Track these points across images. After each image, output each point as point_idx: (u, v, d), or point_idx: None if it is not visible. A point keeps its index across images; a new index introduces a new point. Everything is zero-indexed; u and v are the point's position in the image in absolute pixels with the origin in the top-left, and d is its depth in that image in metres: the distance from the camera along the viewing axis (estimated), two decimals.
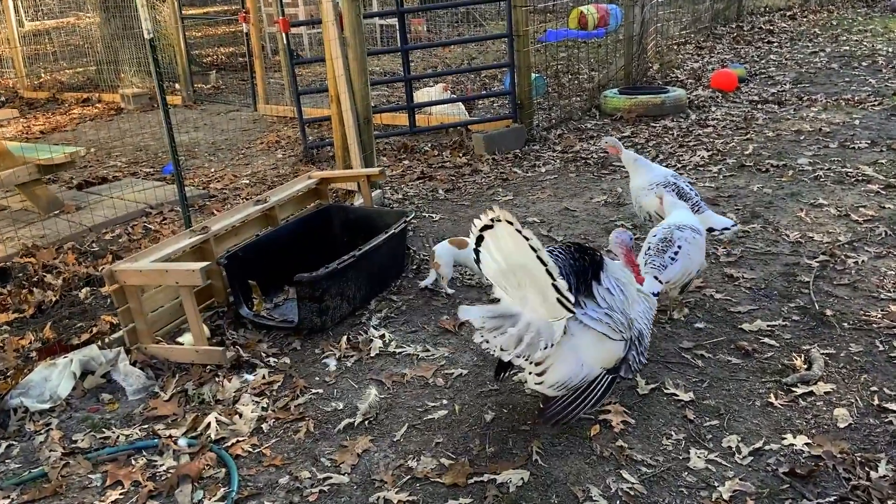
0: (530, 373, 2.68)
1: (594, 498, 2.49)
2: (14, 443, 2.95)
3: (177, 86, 10.51)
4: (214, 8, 18.86)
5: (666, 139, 6.62)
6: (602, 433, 2.81)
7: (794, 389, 2.98)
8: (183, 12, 10.59)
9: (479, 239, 2.56)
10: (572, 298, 2.50)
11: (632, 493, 2.50)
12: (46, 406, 3.14)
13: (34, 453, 2.89)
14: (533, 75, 7.17)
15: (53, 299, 4.22)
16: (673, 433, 2.78)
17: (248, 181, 6.43)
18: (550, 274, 2.43)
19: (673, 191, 3.96)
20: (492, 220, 2.46)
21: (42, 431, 3.02)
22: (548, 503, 2.49)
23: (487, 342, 2.57)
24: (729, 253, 4.22)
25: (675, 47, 10.75)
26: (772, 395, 2.97)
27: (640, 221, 4.52)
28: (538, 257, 2.42)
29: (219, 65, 13.05)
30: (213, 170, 6.92)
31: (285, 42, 6.90)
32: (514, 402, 3.04)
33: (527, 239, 2.41)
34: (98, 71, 11.61)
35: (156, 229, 5.27)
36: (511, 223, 2.42)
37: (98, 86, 11.41)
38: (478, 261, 2.65)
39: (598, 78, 8.77)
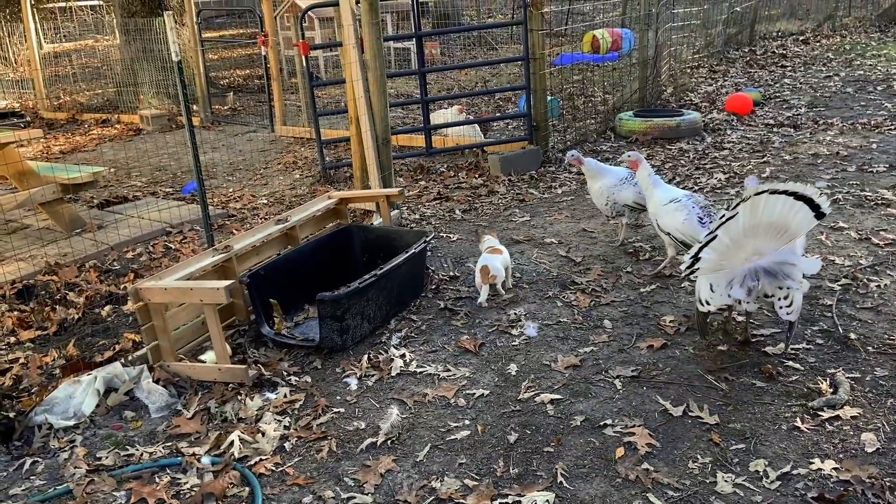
0: (780, 307, 3.14)
1: None
2: (39, 459, 2.96)
3: (195, 107, 10.64)
4: (232, 31, 19.14)
5: (682, 161, 6.64)
6: (627, 455, 2.79)
7: (820, 413, 2.96)
8: (202, 36, 10.75)
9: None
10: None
11: None
12: (70, 423, 3.15)
13: (59, 470, 2.90)
14: (548, 98, 7.22)
15: (76, 317, 4.25)
16: (699, 456, 2.76)
17: (266, 201, 6.48)
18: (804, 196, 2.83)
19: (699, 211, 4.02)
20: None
21: (66, 448, 3.03)
22: None
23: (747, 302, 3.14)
24: None
25: (689, 71, 10.81)
26: (798, 418, 2.94)
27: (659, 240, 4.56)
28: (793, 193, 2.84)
29: (235, 87, 13.22)
30: (231, 189, 6.99)
31: (304, 65, 6.99)
32: (537, 423, 3.03)
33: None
34: (118, 92, 11.78)
35: (176, 248, 5.32)
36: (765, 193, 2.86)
37: (117, 107, 11.58)
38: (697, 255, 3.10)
39: (612, 101, 8.82)
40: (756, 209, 2.91)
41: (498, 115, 9.00)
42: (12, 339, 4.02)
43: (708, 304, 3.27)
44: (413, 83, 11.38)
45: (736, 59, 11.87)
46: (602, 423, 2.99)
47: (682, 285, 4.18)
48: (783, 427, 2.91)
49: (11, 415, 3.14)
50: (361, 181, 5.52)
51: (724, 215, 3.00)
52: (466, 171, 6.86)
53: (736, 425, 2.93)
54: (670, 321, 3.78)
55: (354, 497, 2.67)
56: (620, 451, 2.81)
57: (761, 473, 2.65)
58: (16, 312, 4.28)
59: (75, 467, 2.88)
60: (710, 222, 3.83)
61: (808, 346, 3.46)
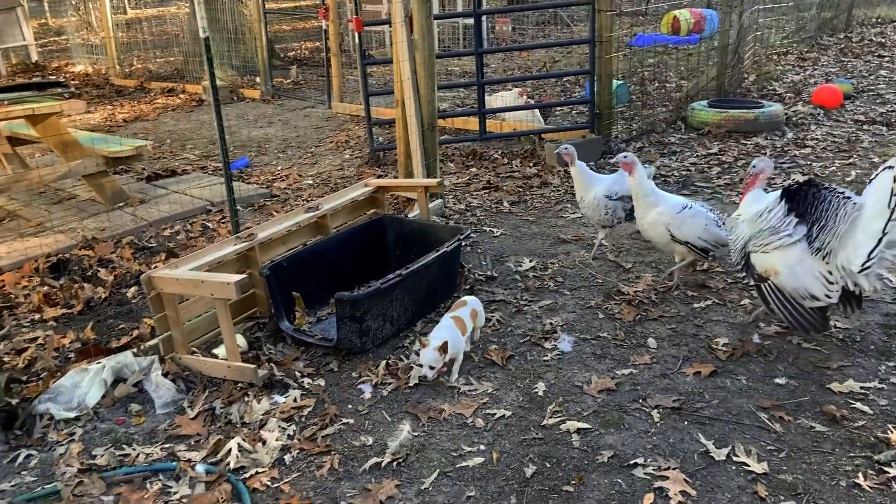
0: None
1: None
2: (34, 452, 2.86)
3: (257, 80, 10.60)
4: (300, 2, 19.10)
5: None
6: None
7: (886, 469, 2.55)
8: (266, 7, 10.66)
9: None
10: None
11: None
12: (73, 414, 3.04)
13: (51, 466, 2.78)
14: (616, 83, 6.77)
15: (103, 296, 4.18)
16: None
17: (311, 182, 6.31)
18: None
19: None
20: None
21: (64, 442, 2.92)
22: None
23: None
24: None
25: (775, 57, 10.06)
26: (860, 473, 2.55)
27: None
28: None
29: (300, 60, 13.13)
30: (279, 167, 6.85)
31: (358, 41, 6.75)
32: (559, 455, 2.73)
33: None
34: (185, 62, 11.86)
35: (214, 228, 5.21)
36: None
37: (184, 76, 11.66)
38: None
39: (686, 88, 8.25)
40: None
41: (562, 100, 8.56)
42: (37, 317, 3.97)
43: (829, 297, 3.13)
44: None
45: (829, 47, 10.98)
46: (632, 462, 2.66)
47: (742, 302, 3.77)
48: (842, 483, 2.52)
49: (15, 402, 3.05)
50: (405, 167, 5.26)
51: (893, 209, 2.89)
52: (521, 159, 6.50)
53: (787, 477, 2.56)
54: (723, 344, 3.39)
55: None
56: (649, 499, 2.49)
57: None
58: (45, 288, 4.24)
59: (67, 465, 2.76)
60: (723, 225, 3.77)
61: (880, 385, 3.03)
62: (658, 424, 2.87)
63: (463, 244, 4.13)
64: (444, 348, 3.07)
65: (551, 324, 3.66)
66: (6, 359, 3.52)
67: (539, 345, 3.50)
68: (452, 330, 3.22)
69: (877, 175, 3.00)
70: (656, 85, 8.97)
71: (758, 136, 6.67)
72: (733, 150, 6.34)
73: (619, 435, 2.83)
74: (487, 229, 4.95)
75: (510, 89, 7.70)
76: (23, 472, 2.77)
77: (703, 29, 11.75)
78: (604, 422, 2.91)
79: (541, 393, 3.12)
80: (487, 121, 6.74)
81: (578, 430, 2.85)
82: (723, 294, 3.87)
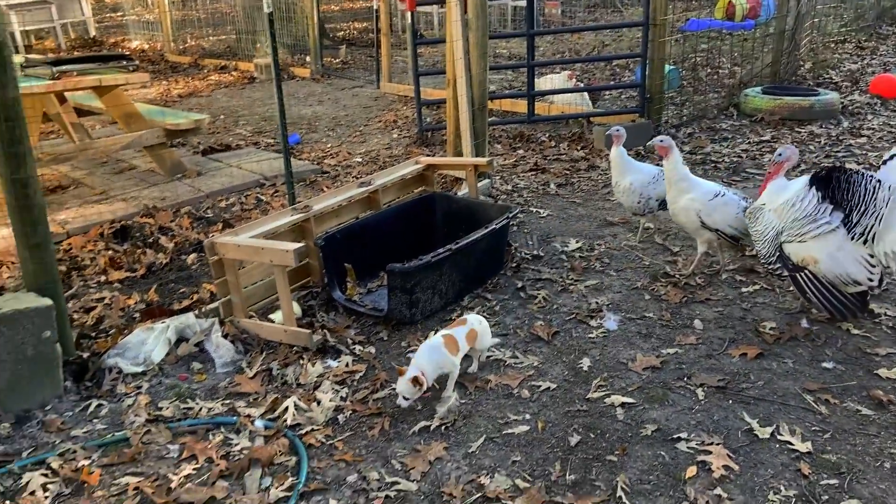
0: None
1: None
2: (104, 403, 3.04)
3: (307, 58, 10.76)
4: None
5: (811, 147, 6.01)
6: (699, 476, 2.52)
7: None
8: None
9: None
10: None
11: None
12: (139, 369, 3.22)
13: (120, 416, 2.96)
14: (667, 67, 6.72)
15: (164, 262, 4.36)
16: (782, 488, 2.45)
17: (360, 159, 6.43)
18: None
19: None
20: None
21: (132, 394, 3.10)
22: None
23: None
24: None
25: (832, 45, 9.81)
26: None
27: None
28: None
29: (350, 40, 13.25)
30: (329, 145, 6.99)
31: (410, 20, 6.81)
32: (603, 426, 2.80)
33: None
34: (237, 40, 12.08)
35: (267, 201, 5.36)
36: None
37: (236, 54, 11.89)
38: None
39: (740, 74, 8.13)
40: None
41: (611, 84, 8.52)
42: (103, 279, 4.17)
43: (871, 280, 3.18)
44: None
45: (888, 36, 10.65)
46: (675, 436, 2.72)
47: (791, 288, 3.76)
48: (886, 465, 2.54)
49: (85, 355, 3.23)
50: (454, 147, 5.33)
51: None
52: (568, 142, 6.52)
53: (831, 457, 2.59)
54: (771, 328, 3.40)
55: (399, 483, 2.56)
56: (692, 471, 2.54)
57: None
58: (110, 252, 4.44)
59: (136, 415, 2.93)
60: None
61: None
62: (702, 402, 2.92)
63: (510, 223, 4.20)
64: (417, 381, 2.84)
65: (597, 303, 3.71)
66: (75, 316, 3.72)
67: (584, 322, 3.55)
68: (438, 353, 2.97)
69: None
70: (708, 70, 8.85)
71: (812, 125, 6.56)
72: (786, 138, 6.25)
73: (663, 410, 2.88)
74: (534, 210, 5.00)
75: (558, 72, 7.70)
76: (94, 420, 2.95)
77: (758, 15, 11.50)
78: (648, 397, 2.96)
79: (586, 368, 3.18)
80: (536, 103, 6.76)
81: (623, 405, 2.91)
82: (771, 279, 3.86)
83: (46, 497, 2.53)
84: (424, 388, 2.87)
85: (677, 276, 3.95)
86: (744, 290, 3.79)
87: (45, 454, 2.72)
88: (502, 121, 7.06)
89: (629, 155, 4.45)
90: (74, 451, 2.72)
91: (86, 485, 2.59)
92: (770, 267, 3.47)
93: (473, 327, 3.12)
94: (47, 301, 2.95)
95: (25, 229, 2.98)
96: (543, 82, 7.32)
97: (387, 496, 2.50)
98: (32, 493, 2.54)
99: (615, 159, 4.33)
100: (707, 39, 10.25)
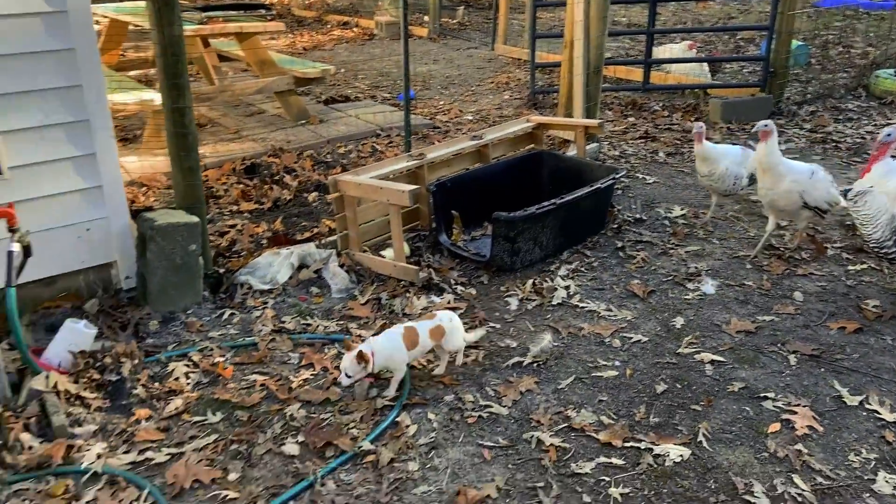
0: None
1: (756, 494, 2.34)
2: (236, 312, 3.43)
3: (425, 18, 10.98)
4: None
5: None
6: (782, 432, 2.61)
7: None
8: None
9: None
10: None
11: (800, 499, 2.32)
12: (266, 287, 3.59)
13: (250, 325, 3.34)
14: (795, 43, 6.49)
15: (287, 198, 4.75)
16: (864, 451, 2.51)
17: (471, 117, 6.62)
18: None
19: None
20: None
21: (259, 308, 3.47)
22: (704, 486, 2.39)
23: None
24: None
25: None
26: None
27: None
28: None
29: (468, 1, 13.36)
30: (441, 102, 7.22)
31: None
32: (690, 379, 2.92)
33: None
34: None
35: (381, 150, 5.66)
36: None
37: (358, 11, 12.27)
38: None
39: (873, 54, 7.71)
40: None
41: (734, 56, 8.26)
42: (235, 208, 4.60)
43: None
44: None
45: None
46: (762, 395, 2.81)
47: None
48: None
49: (221, 271, 3.64)
50: (565, 108, 5.43)
51: None
52: (682, 112, 6.45)
53: None
54: (874, 305, 3.38)
55: (492, 406, 2.79)
56: (776, 427, 2.64)
57: None
58: (241, 185, 4.87)
59: (263, 325, 3.30)
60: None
61: None
62: (794, 367, 2.98)
63: (616, 185, 4.29)
64: (362, 357, 2.68)
65: (696, 268, 3.78)
66: (211, 238, 4.14)
67: (682, 285, 3.64)
68: (394, 341, 2.82)
69: None
70: (840, 49, 8.42)
71: None
72: None
73: (752, 371, 2.96)
74: (640, 176, 5.05)
75: (678, 42, 7.56)
76: (227, 326, 3.34)
77: None
78: (738, 358, 3.05)
79: (678, 326, 3.29)
80: (651, 72, 6.71)
81: (712, 362, 3.02)
82: (880, 259, 3.80)
83: (188, 383, 2.93)
84: (369, 368, 2.71)
85: (782, 248, 3.95)
86: (850, 268, 3.75)
87: (187, 349, 3.13)
88: (616, 87, 7.05)
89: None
90: (212, 349, 3.12)
91: (220, 377, 2.97)
92: (883, 252, 3.35)
93: (441, 324, 2.91)
94: (195, 218, 3.35)
95: (180, 154, 3.37)
96: (661, 51, 7.22)
97: (479, 416, 2.74)
98: (176, 378, 2.94)
99: (704, 153, 4.17)
100: (842, 17, 9.71)
